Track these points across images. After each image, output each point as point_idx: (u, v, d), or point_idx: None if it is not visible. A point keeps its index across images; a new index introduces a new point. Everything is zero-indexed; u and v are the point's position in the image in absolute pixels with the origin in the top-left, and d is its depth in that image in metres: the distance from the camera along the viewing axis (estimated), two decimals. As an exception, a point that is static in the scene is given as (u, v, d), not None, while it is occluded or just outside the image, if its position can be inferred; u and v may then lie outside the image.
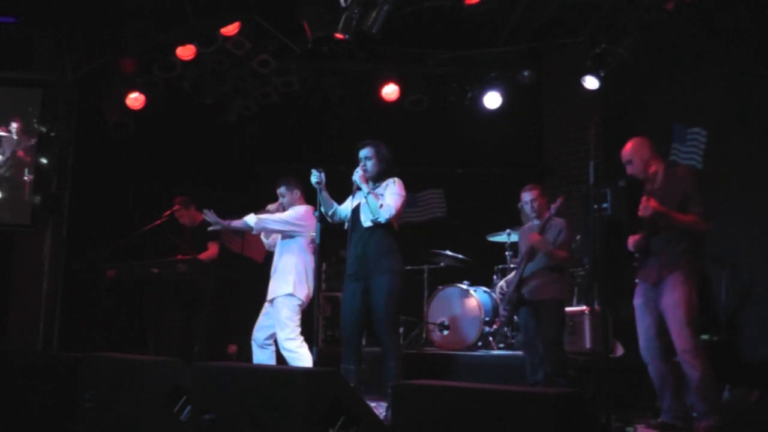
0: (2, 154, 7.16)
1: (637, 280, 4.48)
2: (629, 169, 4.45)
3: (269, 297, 5.38)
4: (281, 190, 5.48)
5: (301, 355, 5.16)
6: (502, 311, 5.40)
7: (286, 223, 5.37)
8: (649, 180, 4.38)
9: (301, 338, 5.23)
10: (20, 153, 7.18)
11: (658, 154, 4.47)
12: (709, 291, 5.92)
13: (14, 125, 7.18)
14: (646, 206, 4.17)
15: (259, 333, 5.42)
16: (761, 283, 5.82)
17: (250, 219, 5.30)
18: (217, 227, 5.32)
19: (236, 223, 5.30)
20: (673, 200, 4.24)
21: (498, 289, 5.59)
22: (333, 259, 7.37)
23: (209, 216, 5.25)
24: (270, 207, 5.49)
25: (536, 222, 5.22)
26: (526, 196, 5.20)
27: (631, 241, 4.41)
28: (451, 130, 8.06)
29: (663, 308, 4.26)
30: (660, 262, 4.29)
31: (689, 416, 4.27)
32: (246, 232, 5.58)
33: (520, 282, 5.16)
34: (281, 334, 5.24)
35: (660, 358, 4.32)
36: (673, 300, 4.20)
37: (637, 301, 4.44)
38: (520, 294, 5.14)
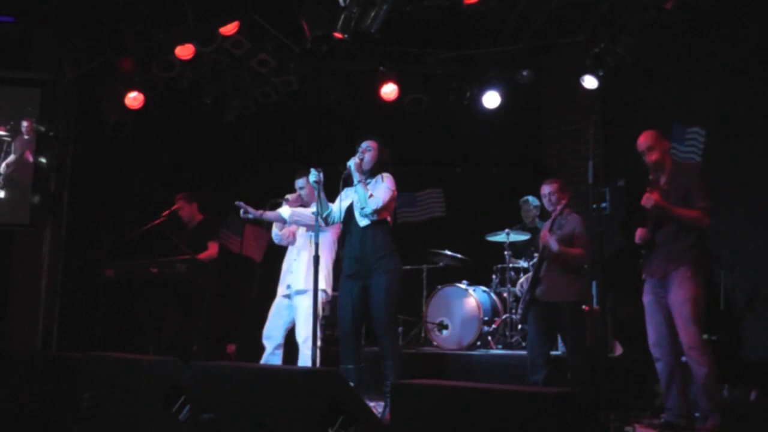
0: (14, 153, 7.14)
1: (643, 276, 4.46)
2: (649, 156, 4.42)
3: (293, 290, 5.27)
4: (300, 182, 5.44)
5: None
6: (519, 309, 5.30)
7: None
8: (657, 171, 4.40)
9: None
10: (27, 153, 7.15)
11: None
12: (709, 290, 5.91)
13: (25, 124, 7.15)
14: (649, 198, 4.22)
15: (276, 332, 5.25)
16: (761, 283, 5.82)
17: (285, 211, 5.27)
18: (248, 216, 5.24)
19: (269, 215, 5.26)
20: (678, 194, 4.28)
21: (518, 286, 5.51)
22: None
23: (242, 207, 5.19)
24: (289, 197, 5.42)
25: None
26: (545, 189, 5.06)
27: (638, 233, 4.41)
28: (451, 129, 8.05)
29: (670, 304, 4.26)
30: (665, 256, 4.30)
31: (692, 415, 4.27)
32: (244, 231, 5.56)
33: (535, 281, 5.02)
34: (307, 330, 4.97)
35: (670, 355, 4.32)
36: (680, 297, 4.20)
37: (647, 298, 4.43)
38: (533, 293, 4.99)
